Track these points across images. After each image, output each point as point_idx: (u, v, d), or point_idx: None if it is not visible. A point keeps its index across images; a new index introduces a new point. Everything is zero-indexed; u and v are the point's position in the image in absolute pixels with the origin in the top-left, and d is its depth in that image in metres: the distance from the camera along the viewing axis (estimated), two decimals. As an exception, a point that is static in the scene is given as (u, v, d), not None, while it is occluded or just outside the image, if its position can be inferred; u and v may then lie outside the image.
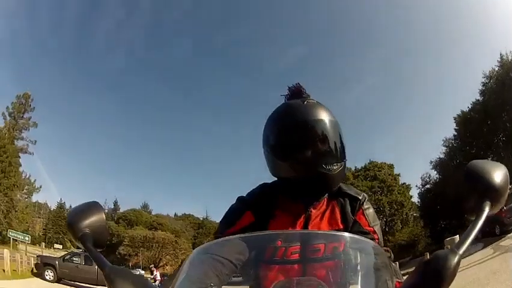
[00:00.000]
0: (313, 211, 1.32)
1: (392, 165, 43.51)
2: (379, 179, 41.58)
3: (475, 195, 0.86)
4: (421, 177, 39.56)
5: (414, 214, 40.97)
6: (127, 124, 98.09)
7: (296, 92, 1.33)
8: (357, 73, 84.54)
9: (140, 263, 44.57)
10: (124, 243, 53.30)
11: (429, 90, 71.68)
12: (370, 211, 1.37)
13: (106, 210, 65.71)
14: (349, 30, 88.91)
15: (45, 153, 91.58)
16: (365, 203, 1.36)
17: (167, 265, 51.46)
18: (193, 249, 1.12)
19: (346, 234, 1.07)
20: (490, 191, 0.85)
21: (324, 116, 1.22)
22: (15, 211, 38.41)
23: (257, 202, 1.33)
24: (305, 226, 1.31)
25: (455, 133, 34.57)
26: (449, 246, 0.79)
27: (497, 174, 0.88)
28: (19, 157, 42.02)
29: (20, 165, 42.18)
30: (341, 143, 1.25)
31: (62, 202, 68.28)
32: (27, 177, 44.06)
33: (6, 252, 18.15)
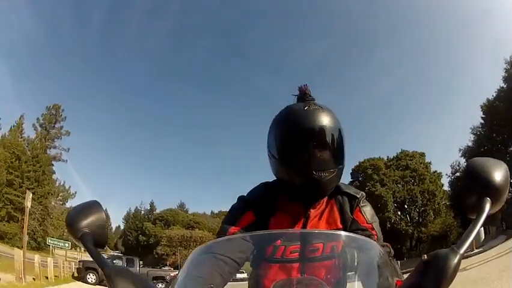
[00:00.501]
0: (312, 211, 1.33)
1: (423, 153, 43.25)
2: (411, 168, 41.32)
3: (476, 193, 0.84)
4: (451, 165, 39.13)
5: (447, 203, 40.12)
6: (157, 125, 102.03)
7: (301, 94, 1.33)
8: (385, 66, 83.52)
9: (178, 262, 45.42)
10: (162, 243, 54.36)
11: (458, 79, 69.75)
12: (367, 208, 1.37)
13: (143, 212, 68.18)
14: (375, 22, 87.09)
15: (79, 159, 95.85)
16: (361, 201, 1.36)
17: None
18: None
19: (344, 233, 1.08)
20: (491, 189, 0.83)
21: (322, 123, 1.20)
22: (51, 218, 39.86)
23: (258, 201, 1.33)
24: (304, 226, 1.32)
25: (482, 121, 34.70)
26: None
27: (498, 172, 0.85)
28: (52, 165, 43.73)
29: (54, 173, 43.95)
30: (338, 149, 1.24)
31: (98, 205, 72.22)
32: (61, 184, 45.88)
33: (49, 260, 18.87)
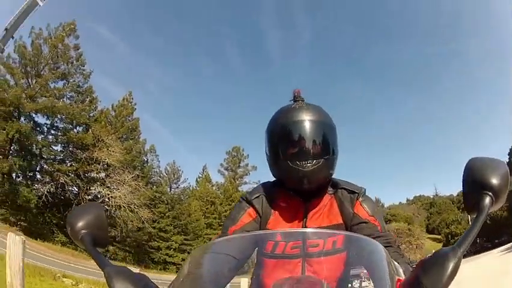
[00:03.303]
0: (312, 207, 1.36)
1: None
2: None
3: (476, 192, 0.82)
4: None
5: None
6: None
7: (293, 96, 1.41)
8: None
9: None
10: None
11: None
12: (368, 202, 1.37)
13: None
14: None
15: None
16: (361, 197, 1.37)
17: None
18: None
19: (345, 232, 1.17)
20: (491, 188, 0.81)
21: (304, 117, 1.27)
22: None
23: (258, 200, 1.38)
24: (304, 222, 1.34)
25: None
26: None
27: (498, 171, 0.83)
28: (244, 200, 48.01)
29: (248, 207, 48.20)
30: (324, 141, 1.28)
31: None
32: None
33: (242, 281, 19.04)
